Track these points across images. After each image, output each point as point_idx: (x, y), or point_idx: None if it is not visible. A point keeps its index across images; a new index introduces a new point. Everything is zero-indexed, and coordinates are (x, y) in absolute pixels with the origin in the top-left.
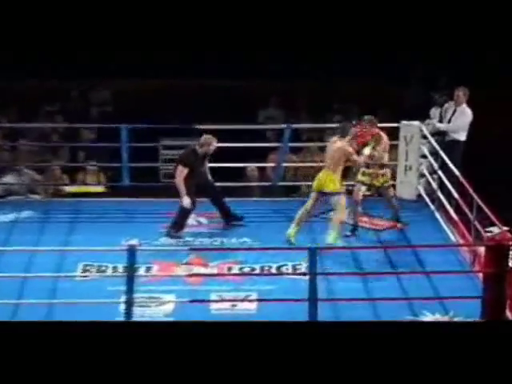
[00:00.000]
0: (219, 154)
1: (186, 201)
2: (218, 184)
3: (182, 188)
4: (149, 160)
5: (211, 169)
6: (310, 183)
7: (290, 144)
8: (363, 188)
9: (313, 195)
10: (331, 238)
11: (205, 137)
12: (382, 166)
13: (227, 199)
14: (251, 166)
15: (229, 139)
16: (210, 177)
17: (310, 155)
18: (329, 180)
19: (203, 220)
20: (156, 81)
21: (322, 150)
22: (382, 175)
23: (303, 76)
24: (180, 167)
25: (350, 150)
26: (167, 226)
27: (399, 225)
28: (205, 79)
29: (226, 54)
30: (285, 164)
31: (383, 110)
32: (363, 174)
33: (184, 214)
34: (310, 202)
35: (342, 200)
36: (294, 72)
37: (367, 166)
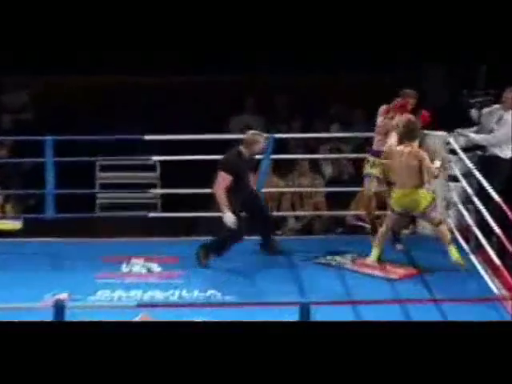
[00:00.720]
0: (178, 176)
1: (230, 218)
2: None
3: (224, 200)
4: (82, 185)
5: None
6: (300, 213)
7: (273, 160)
8: (375, 183)
9: (394, 214)
10: (454, 254)
11: (250, 133)
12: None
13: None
14: None
15: (190, 156)
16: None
17: (300, 177)
18: (416, 200)
19: (155, 266)
20: (91, 79)
21: (316, 169)
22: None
23: (288, 70)
24: (222, 174)
25: (424, 155)
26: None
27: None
28: (159, 74)
29: (184, 40)
30: (265, 189)
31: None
32: (373, 164)
33: (228, 239)
34: (390, 220)
35: (437, 212)
36: (277, 65)
37: (377, 154)
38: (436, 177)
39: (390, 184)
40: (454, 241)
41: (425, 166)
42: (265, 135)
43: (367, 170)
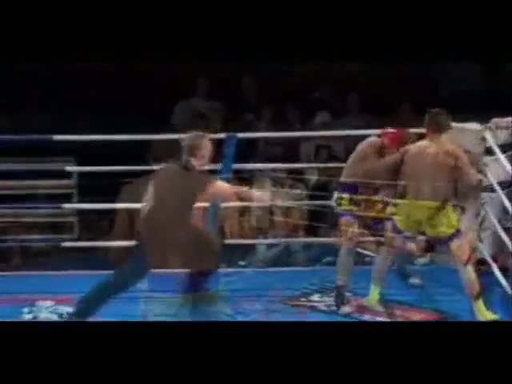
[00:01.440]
0: (103, 184)
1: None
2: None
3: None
4: None
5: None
6: (271, 240)
7: (235, 165)
8: (355, 226)
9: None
10: (482, 313)
11: (191, 135)
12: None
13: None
14: None
15: (121, 161)
16: None
17: (273, 186)
18: (436, 217)
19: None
20: None
21: (295, 175)
22: (384, 205)
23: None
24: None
25: (462, 154)
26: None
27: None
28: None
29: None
30: (226, 203)
31: (406, 104)
32: (350, 201)
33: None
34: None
35: (465, 244)
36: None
37: (354, 190)
38: (476, 188)
39: (369, 228)
40: (486, 274)
41: (463, 169)
42: (209, 136)
43: (344, 206)
